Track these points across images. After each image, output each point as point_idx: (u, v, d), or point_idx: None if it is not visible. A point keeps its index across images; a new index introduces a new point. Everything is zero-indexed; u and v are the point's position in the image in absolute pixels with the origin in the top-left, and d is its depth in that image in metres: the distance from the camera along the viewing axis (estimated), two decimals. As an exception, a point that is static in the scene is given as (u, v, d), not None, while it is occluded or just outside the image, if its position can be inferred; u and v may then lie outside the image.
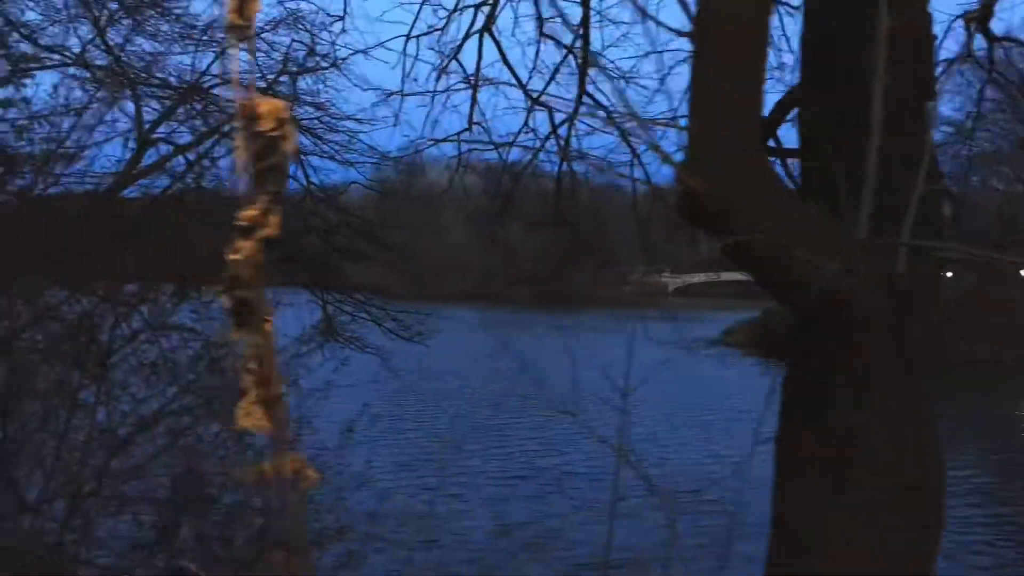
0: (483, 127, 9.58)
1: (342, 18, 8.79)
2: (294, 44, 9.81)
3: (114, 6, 9.72)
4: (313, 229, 10.63)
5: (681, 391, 21.47)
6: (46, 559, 5.74)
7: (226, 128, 10.16)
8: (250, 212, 1.45)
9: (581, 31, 8.68)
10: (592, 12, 8.40)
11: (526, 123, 9.31)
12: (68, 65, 9.84)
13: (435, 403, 18.58)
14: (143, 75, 9.59)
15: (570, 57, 8.93)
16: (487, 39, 8.96)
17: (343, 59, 9.49)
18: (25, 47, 9.90)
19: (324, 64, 9.76)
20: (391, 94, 9.48)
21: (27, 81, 9.96)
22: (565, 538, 11.34)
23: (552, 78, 9.03)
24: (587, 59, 8.70)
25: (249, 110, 1.45)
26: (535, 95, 9.10)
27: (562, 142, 9.53)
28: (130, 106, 9.61)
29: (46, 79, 10.14)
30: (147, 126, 9.66)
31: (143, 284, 6.66)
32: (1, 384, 5.34)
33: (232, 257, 1.47)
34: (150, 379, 6.13)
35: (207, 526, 5.67)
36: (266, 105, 1.44)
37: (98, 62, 9.77)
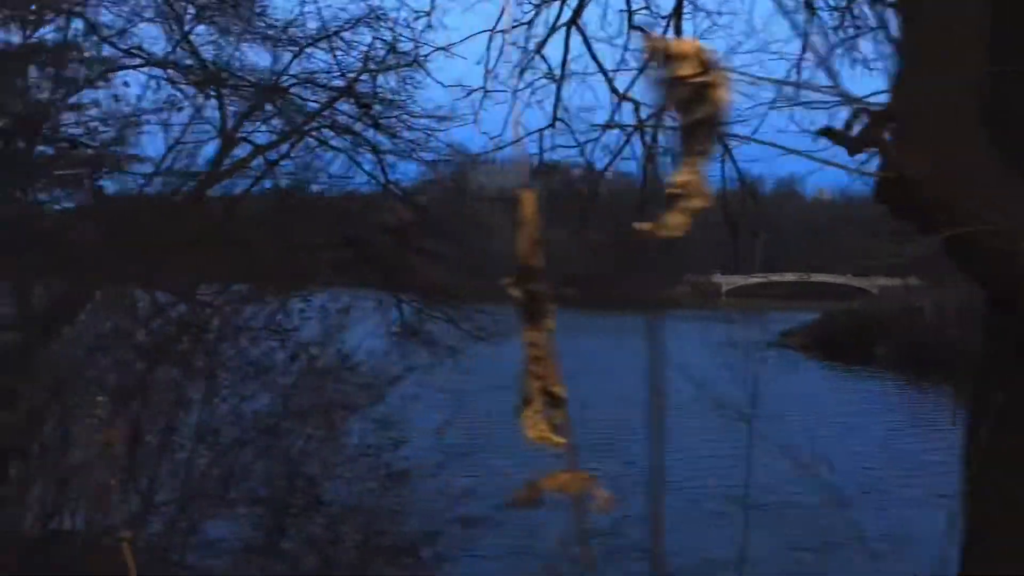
0: (566, 123, 9.37)
1: (428, 14, 8.64)
2: (375, 42, 9.71)
3: (192, 11, 9.74)
4: (388, 228, 10.52)
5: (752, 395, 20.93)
6: (145, 561, 5.68)
7: (307, 127, 10.12)
8: (682, 177, 1.24)
9: (672, 22, 8.42)
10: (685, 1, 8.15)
11: (611, 118, 9.07)
12: (149, 66, 9.89)
13: (499, 404, 18.31)
14: (226, 75, 9.59)
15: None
16: (573, 33, 8.76)
17: (424, 56, 9.36)
18: (106, 50, 9.99)
19: (405, 61, 9.65)
20: (472, 91, 9.34)
21: (103, 83, 10.07)
22: (643, 547, 11.04)
23: (640, 71, 8.77)
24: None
25: (663, 52, 1.23)
26: (621, 91, 8.87)
27: (647, 138, 9.28)
28: (214, 106, 9.63)
29: (131, 81, 10.22)
30: (230, 125, 9.65)
31: (250, 285, 6.60)
32: (114, 384, 5.30)
33: (660, 232, 1.26)
34: (252, 379, 6.05)
35: (315, 528, 5.57)
36: (684, 46, 1.22)
37: (180, 63, 9.80)
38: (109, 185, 9.29)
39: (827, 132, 7.74)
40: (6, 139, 9.51)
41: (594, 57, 8.83)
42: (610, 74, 8.95)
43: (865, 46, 8.11)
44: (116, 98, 8.61)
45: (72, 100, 9.44)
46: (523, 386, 1.46)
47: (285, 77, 10.18)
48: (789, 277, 49.13)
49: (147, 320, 6.17)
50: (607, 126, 9.30)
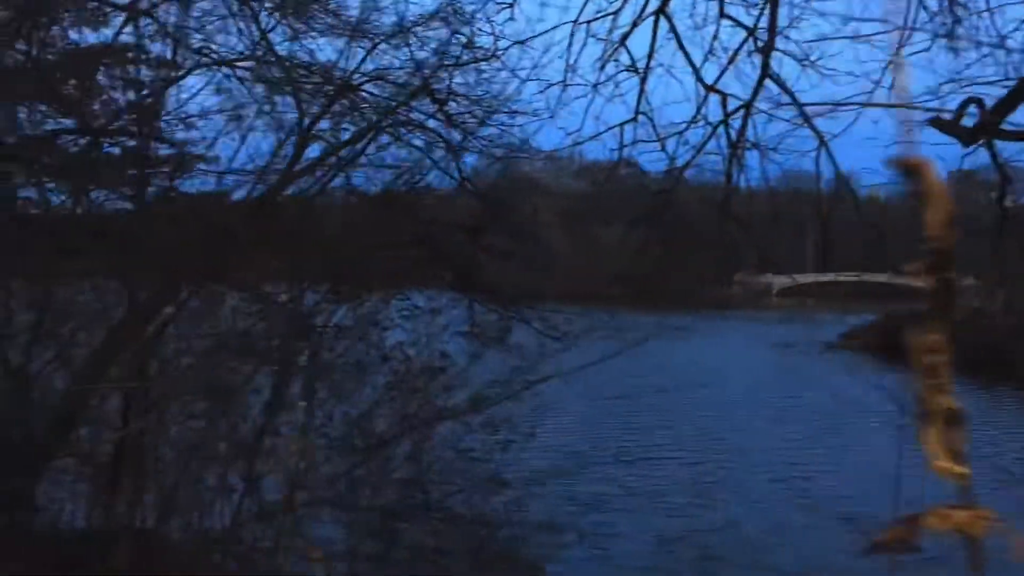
0: (648, 117, 9.06)
1: (511, 5, 8.38)
2: (452, 36, 9.48)
3: (269, 6, 9.62)
4: (463, 226, 10.30)
5: (822, 399, 20.40)
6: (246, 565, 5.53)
7: (382, 125, 9.94)
8: None
9: (766, 10, 8.07)
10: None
11: (699, 111, 8.74)
12: (220, 65, 9.80)
13: (571, 407, 18.09)
14: (301, 73, 9.46)
15: (750, 40, 8.34)
16: (661, 23, 8.44)
17: (503, 50, 9.10)
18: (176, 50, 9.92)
19: (482, 56, 9.41)
20: (551, 84, 9.09)
21: (173, 84, 10.01)
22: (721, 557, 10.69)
23: (731, 62, 8.43)
24: (773, 40, 8.08)
25: None
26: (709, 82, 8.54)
27: (733, 132, 8.94)
28: (287, 104, 9.49)
29: (198, 81, 10.15)
30: (306, 124, 9.51)
31: (336, 285, 6.44)
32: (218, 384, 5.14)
33: None
34: (352, 381, 5.88)
35: (425, 536, 5.36)
36: None
37: (255, 62, 9.69)
38: (187, 185, 9.23)
39: (937, 123, 7.18)
40: (82, 140, 9.51)
41: (682, 47, 8.52)
42: (697, 65, 8.64)
43: (965, 34, 7.71)
44: (219, 89, 8.54)
45: (146, 100, 9.39)
46: (922, 401, 1.18)
47: (357, 75, 10.02)
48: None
49: (250, 321, 6.04)
50: (684, 132, 8.98)
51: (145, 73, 10.01)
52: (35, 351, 7.22)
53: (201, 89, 9.32)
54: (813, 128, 8.36)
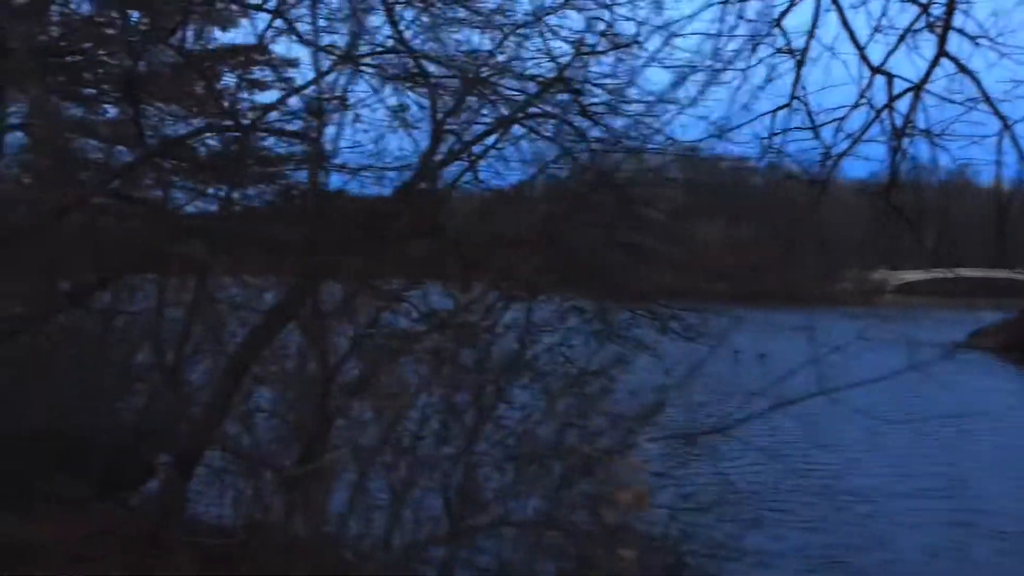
0: (803, 102, 8.48)
1: (658, -12, 7.94)
2: (589, 23, 9.11)
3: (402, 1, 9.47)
4: (595, 224, 9.92)
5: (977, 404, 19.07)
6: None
7: (515, 118, 9.65)
8: None
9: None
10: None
11: (862, 95, 8.10)
12: (352, 61, 9.72)
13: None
14: (435, 67, 9.28)
15: (923, 17, 7.66)
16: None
17: (646, 36, 8.68)
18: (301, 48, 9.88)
19: (621, 43, 8.99)
20: (696, 70, 8.64)
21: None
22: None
23: (901, 40, 7.76)
24: (951, 16, 7.38)
25: None
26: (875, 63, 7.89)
27: (898, 117, 8.25)
28: (422, 100, 9.34)
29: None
30: (439, 119, 9.32)
31: (510, 283, 6.17)
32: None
33: None
34: (519, 387, 5.60)
35: (603, 556, 5.03)
36: None
37: (386, 55, 9.57)
38: (320, 182, 9.17)
39: None
40: (223, 140, 9.61)
41: (846, 24, 7.89)
42: (862, 45, 8.01)
43: None
44: (384, 80, 8.45)
45: (291, 98, 9.38)
46: None
47: (487, 69, 9.76)
48: (923, 275, 44.84)
49: (413, 323, 5.88)
50: (844, 118, 8.37)
51: (270, 73, 10.07)
52: (186, 348, 7.28)
53: (338, 86, 9.24)
54: (996, 111, 7.63)
